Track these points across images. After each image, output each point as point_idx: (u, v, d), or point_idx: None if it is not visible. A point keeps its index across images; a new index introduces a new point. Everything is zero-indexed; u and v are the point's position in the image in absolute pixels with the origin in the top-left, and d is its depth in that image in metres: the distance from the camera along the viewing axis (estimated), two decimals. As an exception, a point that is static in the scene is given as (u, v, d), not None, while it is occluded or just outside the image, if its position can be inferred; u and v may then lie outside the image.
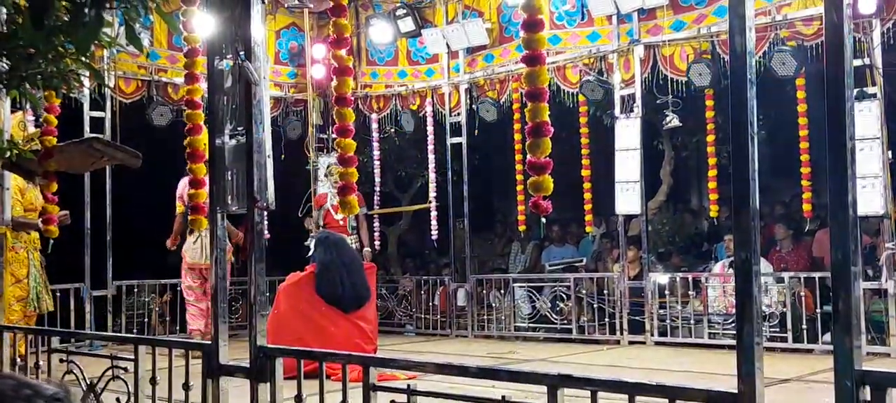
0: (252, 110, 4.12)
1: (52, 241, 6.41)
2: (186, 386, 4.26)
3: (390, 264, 14.16)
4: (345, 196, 4.71)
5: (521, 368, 7.17)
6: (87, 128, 10.23)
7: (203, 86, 5.21)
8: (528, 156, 3.99)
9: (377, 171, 12.83)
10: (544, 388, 3.21)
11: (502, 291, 11.44)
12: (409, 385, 3.49)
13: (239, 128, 4.24)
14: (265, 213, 4.17)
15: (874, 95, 8.30)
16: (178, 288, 11.55)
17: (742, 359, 2.91)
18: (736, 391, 2.88)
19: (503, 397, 3.28)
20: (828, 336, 9.13)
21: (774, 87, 9.89)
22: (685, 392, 3.02)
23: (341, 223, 10.04)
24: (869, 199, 8.04)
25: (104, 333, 9.20)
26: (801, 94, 9.78)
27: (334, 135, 12.07)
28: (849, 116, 2.87)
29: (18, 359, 5.27)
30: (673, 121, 10.45)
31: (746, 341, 2.91)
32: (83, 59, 3.06)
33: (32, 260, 7.17)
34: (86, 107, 10.34)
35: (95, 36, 2.75)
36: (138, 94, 11.15)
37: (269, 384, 3.92)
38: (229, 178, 4.24)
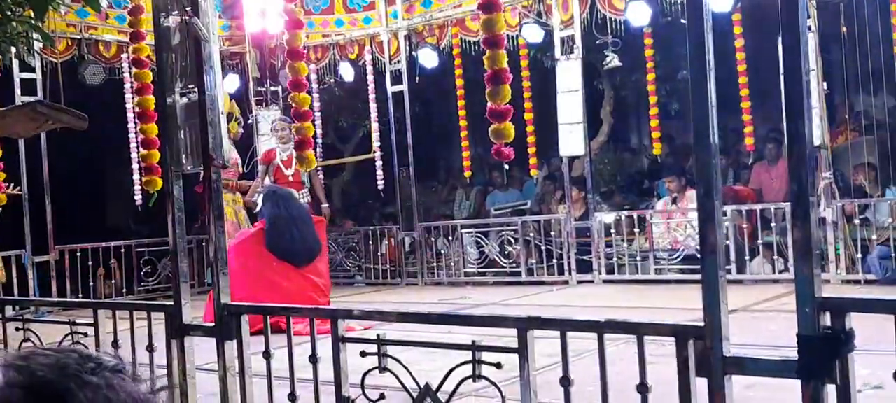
0: (202, 67, 4.05)
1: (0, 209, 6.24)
2: (150, 348, 4.23)
3: (335, 215, 14.11)
4: (302, 150, 4.66)
5: (475, 313, 7.26)
6: (17, 90, 9.93)
7: (149, 43, 5.08)
8: (489, 104, 4.00)
9: (318, 123, 12.68)
10: (510, 330, 3.25)
11: (450, 238, 11.50)
12: (379, 336, 3.51)
13: (190, 86, 4.17)
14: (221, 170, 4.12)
15: (809, 28, 8.47)
16: (122, 250, 11.42)
17: (706, 292, 2.97)
18: (701, 324, 2.95)
19: (473, 341, 3.31)
20: (754, 265, 9.42)
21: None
22: (653, 327, 3.10)
23: (291, 178, 9.89)
24: (806, 131, 8.23)
25: (61, 299, 9.05)
26: (737, 30, 9.93)
27: (274, 88, 11.98)
28: (804, 48, 2.94)
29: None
30: (614, 61, 10.54)
31: (709, 274, 2.98)
32: (38, 23, 2.97)
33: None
34: (15, 68, 10.01)
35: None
36: (69, 53, 10.81)
37: (235, 341, 3.91)
38: (182, 137, 4.18)
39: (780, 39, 2.94)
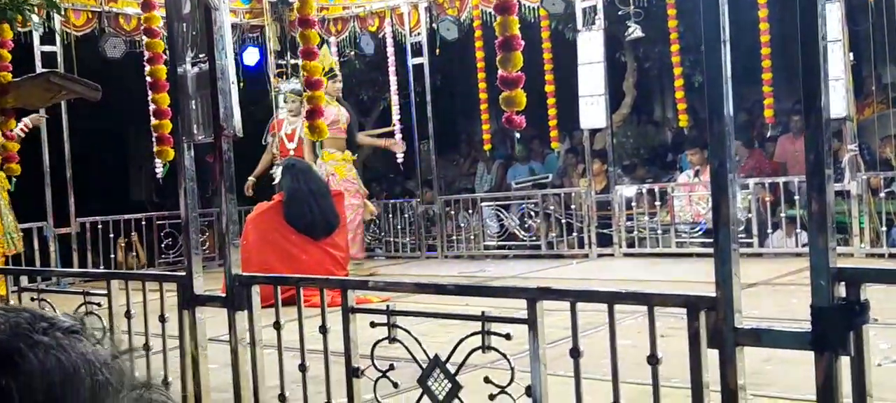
0: (213, 36, 4.02)
1: (14, 179, 6.27)
2: (162, 318, 4.23)
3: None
4: (313, 119, 4.63)
5: (495, 285, 7.24)
6: (38, 63, 9.96)
7: (160, 14, 5.06)
8: (500, 71, 3.94)
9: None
10: (523, 303, 3.22)
11: (470, 211, 11.47)
12: (387, 307, 3.48)
13: (201, 56, 4.14)
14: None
15: (835, -3, 8.32)
16: (143, 223, 11.50)
17: (719, 264, 2.92)
18: (713, 295, 2.90)
19: (483, 312, 3.28)
20: (776, 238, 9.31)
21: (734, -6, 9.85)
22: (664, 298, 3.05)
23: (293, 153, 9.72)
24: (831, 102, 8.09)
25: (75, 270, 9.10)
26: (761, 0, 9.77)
27: (293, 61, 11.93)
28: (821, 17, 2.86)
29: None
30: (636, 31, 10.41)
31: (722, 246, 2.93)
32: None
33: (1, 199, 7.02)
34: (36, 41, 10.04)
35: (50, -39, 2.64)
36: (89, 26, 10.81)
37: (246, 312, 3.90)
38: (194, 107, 4.15)
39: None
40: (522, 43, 3.97)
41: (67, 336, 0.89)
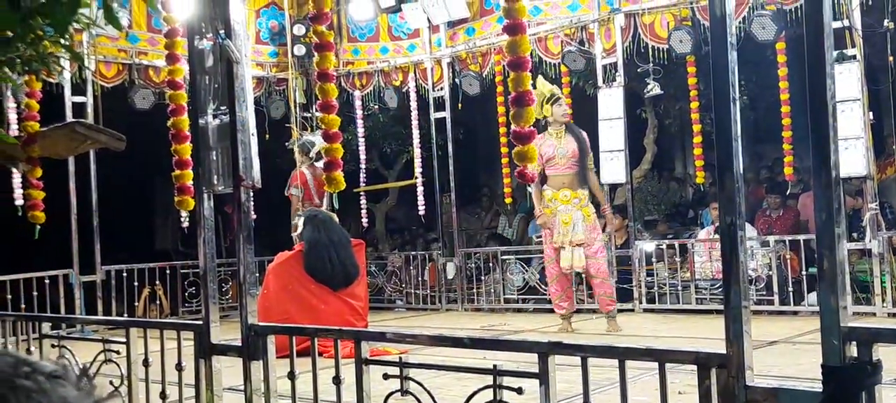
0: (234, 89, 4.11)
1: (39, 227, 6.38)
2: (179, 367, 4.27)
3: (378, 241, 14.17)
4: (330, 172, 4.70)
5: (509, 338, 7.22)
6: (69, 113, 10.16)
7: (184, 66, 5.18)
8: (513, 126, 4.00)
9: (362, 149, 12.80)
10: (536, 356, 3.23)
11: (492, 264, 11.47)
12: (401, 358, 3.50)
13: (222, 108, 4.23)
14: (252, 192, 4.17)
15: (853, 57, 8.33)
16: (167, 272, 11.58)
17: (730, 321, 2.93)
18: (724, 352, 2.90)
19: (494, 366, 3.29)
20: (813, 297, 9.21)
21: (755, 53, 9.93)
22: (674, 355, 3.05)
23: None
24: (851, 160, 8.10)
25: (94, 317, 9.18)
26: (781, 58, 9.81)
27: (317, 113, 12.04)
28: (830, 76, 2.89)
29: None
30: (655, 89, 10.46)
31: (733, 303, 2.94)
32: (63, 41, 3.04)
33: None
34: (67, 92, 10.26)
35: (73, 15, 2.73)
36: (119, 78, 11.07)
37: (261, 362, 3.93)
38: (214, 158, 4.24)
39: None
40: (535, 99, 4.03)
41: (49, 381, 0.93)
